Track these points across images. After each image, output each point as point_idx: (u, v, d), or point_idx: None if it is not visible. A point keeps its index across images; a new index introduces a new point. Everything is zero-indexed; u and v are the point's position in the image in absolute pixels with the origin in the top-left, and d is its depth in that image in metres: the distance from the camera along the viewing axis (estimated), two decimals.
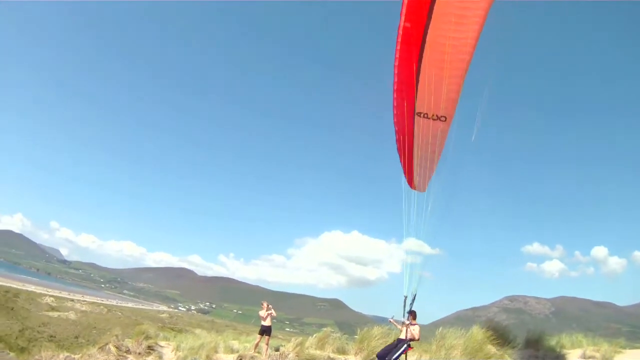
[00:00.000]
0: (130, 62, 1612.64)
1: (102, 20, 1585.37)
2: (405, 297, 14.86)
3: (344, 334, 24.61)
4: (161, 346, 22.05)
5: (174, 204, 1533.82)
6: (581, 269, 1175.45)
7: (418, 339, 15.24)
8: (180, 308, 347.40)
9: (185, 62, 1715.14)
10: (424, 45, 10.91)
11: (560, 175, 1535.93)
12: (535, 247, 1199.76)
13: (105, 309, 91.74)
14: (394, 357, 14.78)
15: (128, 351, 20.35)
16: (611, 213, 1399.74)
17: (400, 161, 14.85)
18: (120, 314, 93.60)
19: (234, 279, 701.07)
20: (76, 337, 47.75)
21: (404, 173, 15.18)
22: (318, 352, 21.17)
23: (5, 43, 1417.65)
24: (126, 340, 21.32)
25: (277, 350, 21.11)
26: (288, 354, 20.39)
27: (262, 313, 21.06)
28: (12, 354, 31.45)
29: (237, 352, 21.42)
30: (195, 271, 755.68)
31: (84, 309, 79.87)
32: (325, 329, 23.79)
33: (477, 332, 20.57)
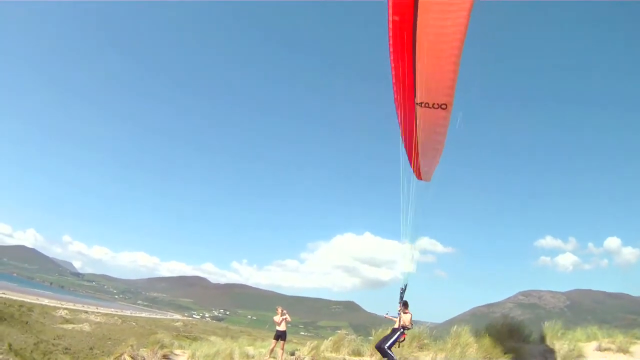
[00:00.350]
0: (144, 70, 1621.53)
1: (109, 22, 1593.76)
2: (402, 289, 16.35)
3: (359, 335, 24.55)
4: (176, 355, 22.01)
5: (186, 214, 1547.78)
6: (595, 261, 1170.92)
7: (410, 327, 16.59)
8: (194, 316, 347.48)
9: (184, 63, 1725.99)
10: (415, 36, 10.80)
11: (571, 167, 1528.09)
12: (548, 241, 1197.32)
13: (120, 320, 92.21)
14: (387, 343, 16.27)
15: None
16: (623, 203, 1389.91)
17: (407, 153, 14.93)
18: (134, 324, 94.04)
19: (247, 285, 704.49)
20: (91, 349, 47.85)
21: (410, 164, 15.25)
22: (333, 355, 21.10)
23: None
24: (141, 350, 21.29)
25: (292, 354, 21.06)
26: (304, 358, 20.35)
27: (277, 318, 21.00)
28: None
29: (253, 357, 21.36)
30: (209, 279, 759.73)
31: (98, 320, 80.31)
32: (340, 331, 23.72)
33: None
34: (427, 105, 12.33)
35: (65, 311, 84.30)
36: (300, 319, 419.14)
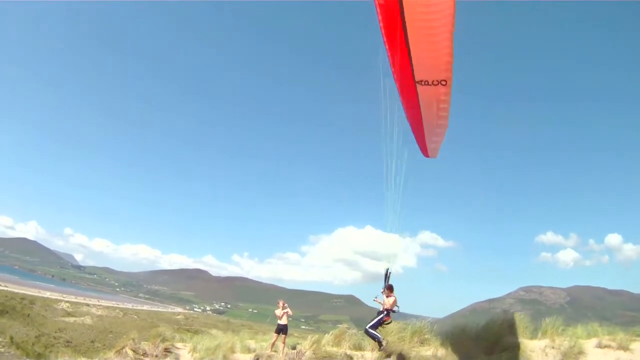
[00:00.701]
0: (145, 69, 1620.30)
1: (106, 23, 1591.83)
2: (387, 271, 17.34)
3: (360, 329, 24.51)
4: (178, 348, 22.06)
5: (188, 206, 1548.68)
6: (596, 257, 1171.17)
7: (392, 309, 17.18)
8: (195, 309, 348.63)
9: (186, 63, 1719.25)
10: (404, 15, 10.70)
11: (574, 163, 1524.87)
12: (549, 237, 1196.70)
13: (121, 313, 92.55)
14: (370, 325, 17.21)
15: (145, 354, 20.40)
16: (625, 200, 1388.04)
17: (412, 133, 15.24)
18: (136, 317, 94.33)
19: (248, 279, 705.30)
20: (92, 342, 48.03)
21: (418, 143, 15.71)
22: (335, 349, 21.08)
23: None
24: (143, 343, 21.35)
25: (293, 348, 21.05)
26: (305, 352, 20.34)
27: (278, 312, 21.05)
28: None
29: (254, 351, 21.39)
30: (210, 272, 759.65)
31: (99, 313, 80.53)
32: (341, 325, 23.70)
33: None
34: (426, 82, 12.35)
35: (67, 304, 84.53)
36: (302, 312, 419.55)
